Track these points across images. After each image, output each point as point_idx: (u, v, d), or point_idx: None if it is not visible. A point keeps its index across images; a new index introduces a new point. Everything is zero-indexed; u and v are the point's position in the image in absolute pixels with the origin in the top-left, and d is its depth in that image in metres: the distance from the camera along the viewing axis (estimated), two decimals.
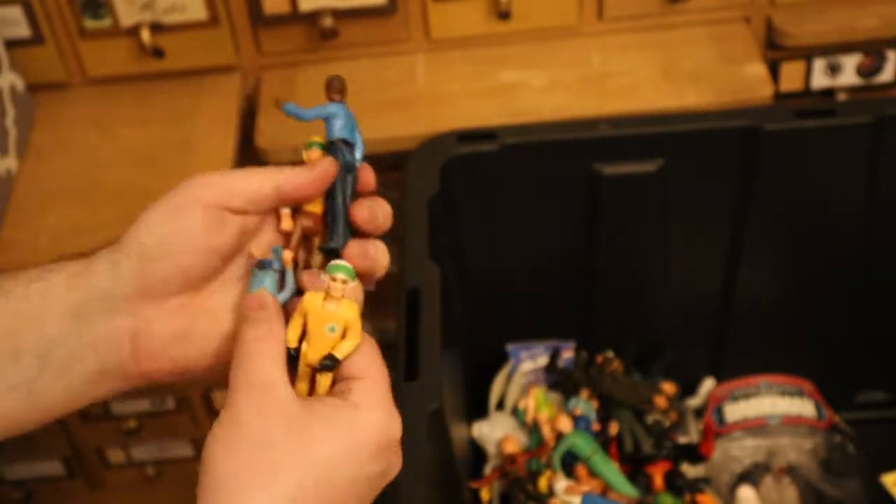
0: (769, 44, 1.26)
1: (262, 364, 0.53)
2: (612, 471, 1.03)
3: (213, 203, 0.57)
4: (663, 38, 1.26)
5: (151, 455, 1.31)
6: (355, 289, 0.57)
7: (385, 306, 1.28)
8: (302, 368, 0.56)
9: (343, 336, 0.55)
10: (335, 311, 0.55)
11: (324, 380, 0.56)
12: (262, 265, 0.58)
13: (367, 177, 0.61)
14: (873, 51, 1.25)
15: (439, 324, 0.86)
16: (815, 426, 1.08)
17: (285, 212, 0.60)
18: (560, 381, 1.11)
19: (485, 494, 1.04)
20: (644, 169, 1.01)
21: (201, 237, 0.57)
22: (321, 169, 0.59)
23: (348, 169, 0.60)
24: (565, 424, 1.04)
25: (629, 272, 1.10)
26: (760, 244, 1.07)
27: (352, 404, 0.54)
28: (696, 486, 1.06)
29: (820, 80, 1.27)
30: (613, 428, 1.06)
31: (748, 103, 1.17)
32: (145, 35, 1.22)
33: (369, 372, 0.56)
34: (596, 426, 1.06)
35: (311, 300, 0.55)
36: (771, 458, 1.07)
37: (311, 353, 0.56)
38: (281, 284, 0.58)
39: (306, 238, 0.61)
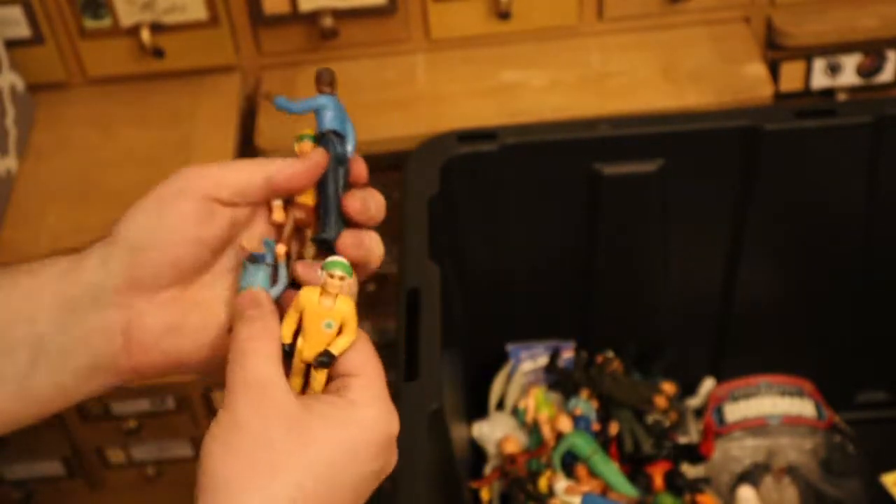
0: (769, 44, 1.26)
1: (258, 363, 0.53)
2: (612, 471, 1.03)
3: (202, 195, 0.57)
4: (663, 38, 1.26)
5: (151, 455, 1.31)
6: (350, 283, 0.57)
7: (385, 306, 1.28)
8: (296, 364, 0.56)
9: (339, 332, 0.55)
10: (332, 308, 0.55)
11: (319, 376, 0.56)
12: (254, 259, 0.58)
13: (359, 169, 0.61)
14: (873, 51, 1.25)
15: (439, 324, 0.86)
16: (815, 426, 1.08)
17: (277, 203, 0.60)
18: (560, 381, 1.11)
19: (485, 494, 1.04)
20: (644, 169, 1.01)
21: (191, 229, 0.57)
22: (312, 160, 0.59)
23: (340, 160, 0.60)
24: (565, 424, 1.04)
25: (629, 272, 1.10)
26: (760, 244, 1.07)
27: (350, 402, 0.54)
28: (696, 486, 1.06)
29: (820, 80, 1.27)
30: (613, 428, 1.06)
31: (748, 103, 1.17)
32: (145, 35, 1.22)
33: (365, 368, 0.56)
34: (596, 426, 1.06)
35: (307, 296, 0.55)
36: (771, 458, 1.07)
37: (307, 350, 0.55)
38: (273, 278, 0.58)
39: (298, 230, 0.61)
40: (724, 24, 1.26)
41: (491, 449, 1.09)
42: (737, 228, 1.06)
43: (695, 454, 1.07)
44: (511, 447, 1.06)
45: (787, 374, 1.12)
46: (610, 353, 1.11)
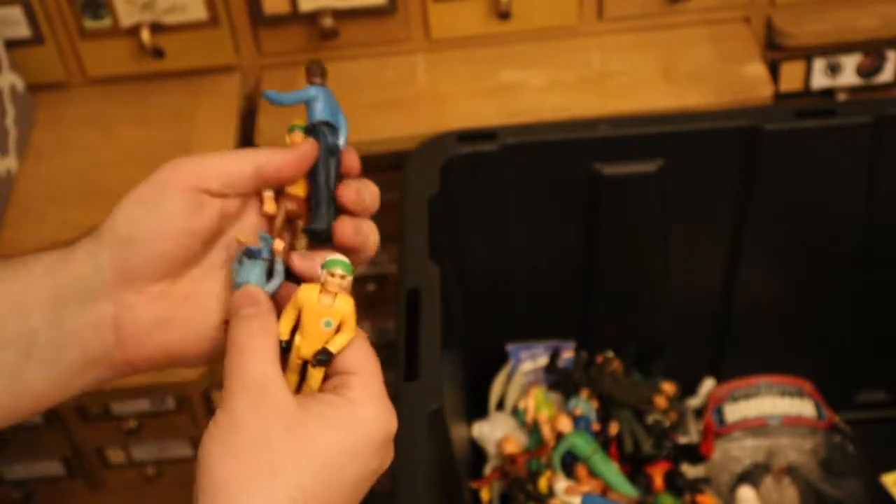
0: (769, 44, 1.26)
1: (256, 363, 0.53)
2: (612, 471, 1.03)
3: (190, 186, 0.57)
4: (663, 38, 1.26)
5: (151, 455, 1.31)
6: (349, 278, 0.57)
7: (385, 306, 1.28)
8: (293, 360, 0.56)
9: (337, 330, 0.55)
10: (332, 306, 0.55)
11: (316, 373, 0.55)
12: (250, 254, 0.57)
13: (352, 160, 0.61)
14: (873, 51, 1.25)
15: (439, 324, 0.86)
16: (815, 426, 1.08)
17: (268, 194, 0.59)
18: (560, 381, 1.11)
19: (485, 494, 1.04)
20: (644, 169, 1.01)
21: (179, 221, 0.57)
22: (301, 151, 0.58)
23: (331, 151, 0.60)
24: (565, 424, 1.04)
25: (629, 272, 1.10)
26: (760, 244, 1.07)
27: (349, 401, 0.54)
28: (696, 486, 1.06)
29: (820, 80, 1.27)
30: (613, 428, 1.06)
31: (748, 103, 1.17)
32: (145, 35, 1.22)
33: (363, 367, 0.55)
34: (596, 426, 1.06)
35: (306, 294, 0.55)
36: (771, 459, 1.07)
37: (305, 347, 0.55)
38: (269, 273, 0.58)
39: (290, 221, 0.60)
40: (724, 24, 1.26)
41: (491, 449, 1.09)
42: (737, 228, 1.06)
43: (695, 454, 1.07)
44: (511, 447, 1.06)
45: (787, 374, 1.12)
46: (610, 353, 1.11)
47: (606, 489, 1.02)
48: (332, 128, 0.60)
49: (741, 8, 1.25)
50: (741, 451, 1.08)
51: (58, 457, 1.30)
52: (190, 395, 1.22)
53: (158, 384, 1.15)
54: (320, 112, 0.60)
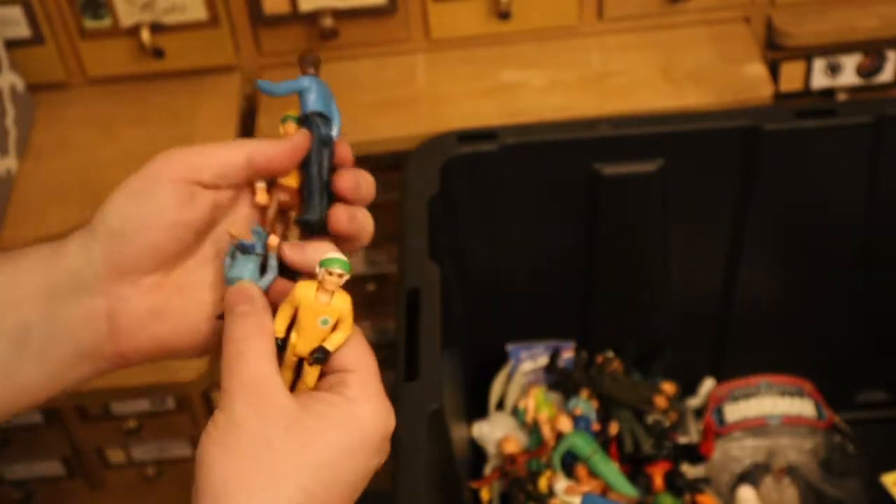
0: (769, 44, 1.26)
1: (253, 362, 0.53)
2: (612, 471, 1.03)
3: (181, 178, 0.57)
4: (663, 38, 1.26)
5: (151, 455, 1.31)
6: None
7: (385, 306, 1.28)
8: (288, 358, 0.55)
9: (334, 327, 0.55)
10: (329, 304, 0.54)
11: (312, 371, 0.55)
12: (243, 249, 0.57)
13: (345, 151, 0.61)
14: (873, 51, 1.25)
15: (439, 324, 0.86)
16: (815, 426, 1.08)
17: (260, 185, 0.59)
18: (560, 381, 1.11)
19: (485, 494, 1.04)
20: (644, 169, 1.01)
21: (171, 213, 0.56)
22: (294, 141, 0.58)
23: (324, 142, 0.59)
24: (565, 424, 1.04)
25: (629, 272, 1.10)
26: (760, 244, 1.07)
27: (347, 399, 0.54)
28: (696, 486, 1.06)
29: (820, 80, 1.27)
30: (613, 428, 1.06)
31: (748, 103, 1.17)
32: (145, 35, 1.22)
33: (360, 364, 0.55)
34: (596, 426, 1.06)
35: (303, 292, 0.55)
36: (771, 458, 1.07)
37: (301, 345, 0.55)
38: (262, 267, 0.57)
39: (282, 212, 0.60)
40: (724, 24, 1.26)
41: (491, 449, 1.09)
42: (737, 228, 1.06)
43: (695, 454, 1.07)
44: (511, 447, 1.06)
45: (787, 374, 1.12)
46: (610, 353, 1.11)
47: (606, 489, 1.02)
48: (325, 118, 0.60)
49: (741, 8, 1.25)
50: (741, 451, 1.08)
51: (58, 457, 1.30)
52: (190, 395, 1.22)
53: (158, 384, 1.15)
54: (313, 103, 0.60)
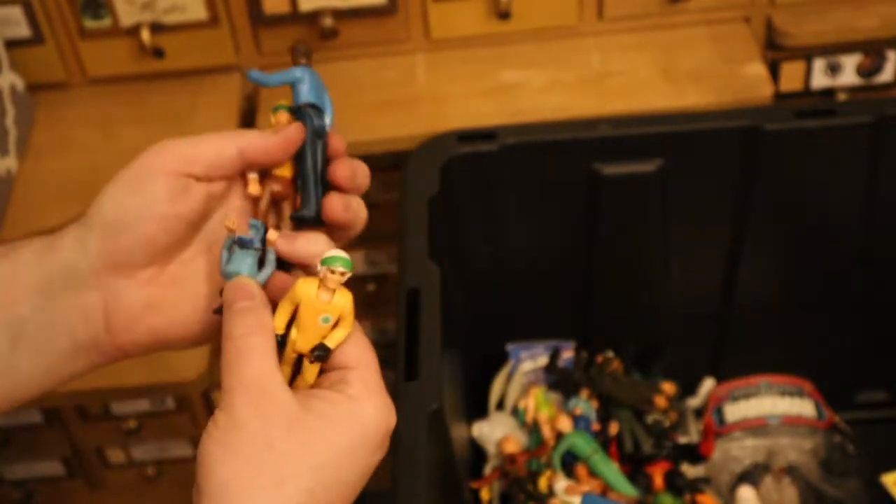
0: (769, 44, 1.26)
1: (254, 361, 0.53)
2: (612, 471, 1.03)
3: (174, 170, 0.57)
4: (663, 38, 1.26)
5: (151, 455, 1.31)
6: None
7: (385, 306, 1.28)
8: (288, 354, 0.55)
9: (335, 325, 0.55)
10: (330, 302, 0.54)
11: (312, 367, 0.55)
12: (242, 244, 0.57)
13: (338, 142, 0.60)
14: (873, 51, 1.25)
15: (439, 324, 0.86)
16: (815, 426, 1.08)
17: (252, 176, 0.59)
18: (560, 381, 1.11)
19: (485, 494, 1.04)
20: (644, 169, 1.01)
21: (165, 206, 0.56)
22: (287, 134, 0.58)
23: (318, 134, 0.59)
24: (565, 424, 1.04)
25: (629, 272, 1.10)
26: (760, 244, 1.07)
27: (349, 398, 0.53)
28: (696, 486, 1.06)
29: (820, 80, 1.27)
30: (613, 428, 1.06)
31: (748, 103, 1.17)
32: (145, 35, 1.22)
33: (361, 362, 0.55)
34: (596, 426, 1.06)
35: (304, 290, 0.54)
36: (771, 458, 1.07)
37: (301, 342, 0.55)
38: (260, 261, 0.57)
39: (275, 203, 0.60)
40: (724, 24, 1.26)
41: (491, 449, 1.09)
42: (737, 228, 1.06)
43: (695, 454, 1.07)
44: (511, 447, 1.06)
45: (787, 374, 1.12)
46: (610, 353, 1.11)
47: (606, 489, 1.02)
48: (318, 110, 0.60)
49: (741, 8, 1.25)
50: (741, 450, 1.08)
51: (58, 457, 1.30)
52: (190, 395, 1.22)
53: (158, 384, 1.15)
54: (306, 94, 0.60)
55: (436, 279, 0.89)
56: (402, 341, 0.85)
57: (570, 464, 1.04)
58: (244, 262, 0.57)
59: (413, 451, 0.77)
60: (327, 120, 0.60)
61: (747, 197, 1.03)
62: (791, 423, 1.08)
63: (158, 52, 1.23)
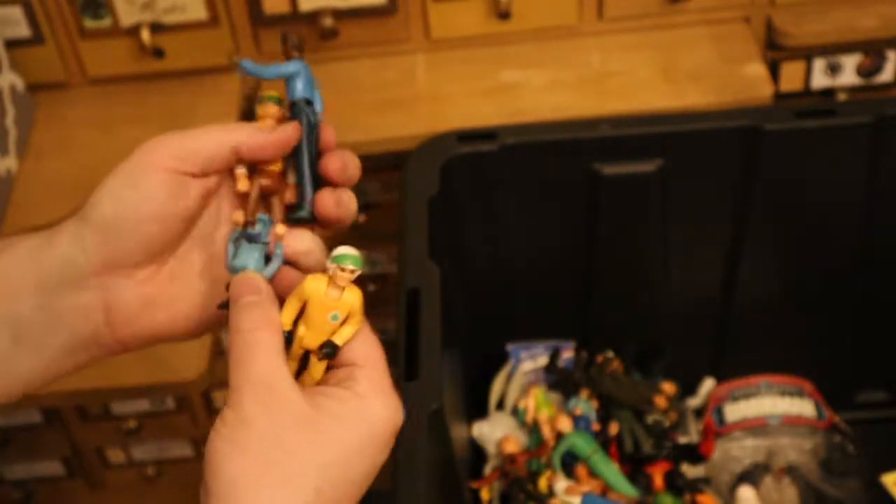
0: (769, 44, 1.26)
1: (261, 357, 0.52)
2: (612, 471, 1.03)
3: (170, 168, 0.56)
4: (663, 38, 1.26)
5: (151, 455, 1.31)
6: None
7: (385, 306, 1.28)
8: (295, 350, 0.55)
9: (343, 322, 0.54)
10: (339, 299, 0.54)
11: (319, 364, 0.55)
12: (250, 238, 0.56)
13: (329, 134, 0.60)
14: (873, 51, 1.25)
15: (439, 324, 0.86)
16: (815, 426, 1.08)
17: (241, 172, 0.58)
18: (560, 381, 1.11)
19: (485, 494, 1.04)
20: (644, 169, 1.01)
21: (163, 205, 0.56)
22: (283, 134, 0.58)
23: (312, 130, 0.59)
24: (565, 424, 1.04)
25: (629, 272, 1.10)
26: (760, 244, 1.07)
27: (356, 395, 0.53)
28: (696, 486, 1.06)
29: (820, 80, 1.27)
30: (613, 428, 1.06)
31: (748, 103, 1.17)
32: (145, 35, 1.22)
33: (368, 359, 0.55)
34: (596, 426, 1.06)
35: (313, 287, 0.54)
36: (771, 458, 1.07)
37: (309, 338, 0.54)
38: (267, 255, 0.57)
39: (263, 197, 0.59)
40: (724, 24, 1.26)
41: (491, 449, 1.09)
42: (737, 228, 1.06)
43: (695, 454, 1.07)
44: (511, 447, 1.06)
45: (787, 374, 1.12)
46: (610, 353, 1.11)
47: (606, 489, 1.02)
48: (310, 103, 0.59)
49: (741, 8, 1.25)
50: (741, 450, 1.08)
51: (58, 457, 1.30)
52: (190, 395, 1.23)
53: (158, 384, 1.15)
54: (301, 90, 0.59)
55: (436, 279, 0.89)
56: (402, 341, 0.85)
57: (570, 464, 1.04)
58: (251, 256, 0.56)
59: (413, 451, 0.77)
60: (318, 111, 0.59)
61: (747, 197, 1.03)
62: (791, 423, 1.08)
63: (158, 52, 1.23)
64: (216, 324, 0.60)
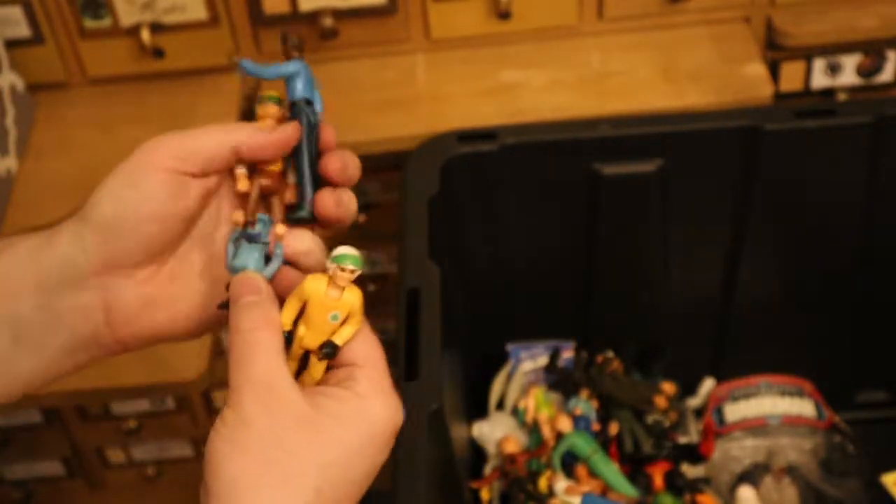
0: (769, 44, 1.26)
1: (261, 357, 0.52)
2: (612, 471, 1.03)
3: (170, 169, 0.56)
4: (663, 38, 1.26)
5: (151, 455, 1.31)
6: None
7: (385, 306, 1.28)
8: (295, 350, 0.55)
9: (343, 322, 0.54)
10: (339, 299, 0.54)
11: (319, 364, 0.55)
12: (250, 238, 0.56)
13: (329, 134, 0.60)
14: (873, 51, 1.25)
15: (439, 324, 0.86)
16: (815, 426, 1.08)
17: (241, 172, 0.58)
18: (560, 381, 1.11)
19: (485, 494, 1.04)
20: (644, 169, 1.01)
21: (164, 205, 0.56)
22: (283, 135, 0.57)
23: (312, 130, 0.58)
24: (565, 424, 1.04)
25: (629, 272, 1.10)
26: (760, 244, 1.07)
27: (356, 395, 0.53)
28: (696, 486, 1.06)
29: (820, 80, 1.27)
30: (613, 428, 1.06)
31: (748, 103, 1.17)
32: (145, 35, 1.22)
33: (368, 359, 0.55)
34: (596, 426, 1.06)
35: (313, 287, 0.54)
36: (771, 458, 1.07)
37: (309, 338, 0.54)
38: (267, 256, 0.57)
39: (263, 196, 0.59)
40: (724, 24, 1.26)
41: (491, 449, 1.09)
42: (737, 228, 1.06)
43: (695, 454, 1.07)
44: (511, 447, 1.06)
45: (787, 374, 1.12)
46: (610, 353, 1.11)
47: (606, 489, 1.02)
48: (310, 103, 0.59)
49: (741, 8, 1.25)
50: (741, 450, 1.08)
51: (58, 457, 1.30)
52: (190, 395, 1.23)
53: (158, 384, 1.15)
54: (302, 90, 0.59)
55: (436, 279, 0.89)
56: (402, 341, 0.85)
57: (570, 464, 1.04)
58: (251, 256, 0.56)
59: (413, 451, 0.77)
60: (318, 110, 0.59)
61: (747, 197, 1.03)
62: (791, 423, 1.08)
63: (158, 52, 1.23)
64: (216, 324, 0.60)
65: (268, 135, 0.57)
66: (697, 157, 1.01)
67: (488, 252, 1.06)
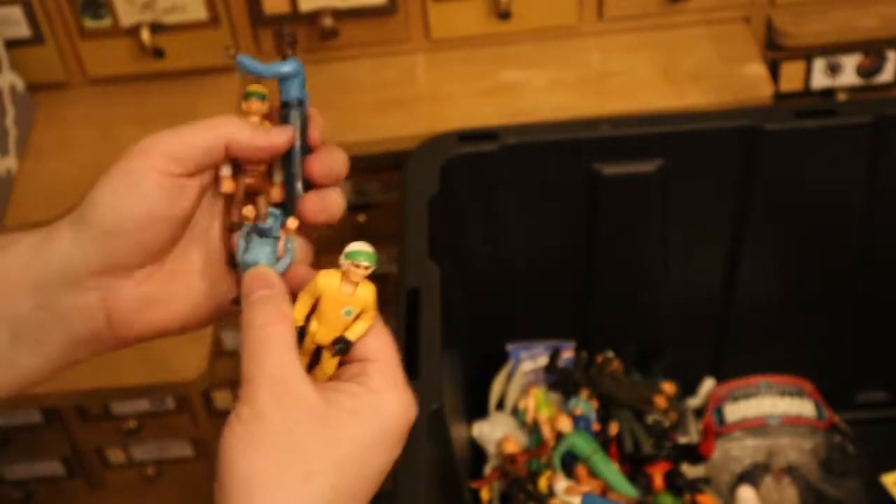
0: (769, 44, 1.26)
1: (275, 352, 0.52)
2: (612, 471, 1.03)
3: (167, 170, 0.56)
4: (663, 38, 1.26)
5: (151, 455, 1.31)
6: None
7: (385, 306, 1.28)
8: (307, 345, 0.55)
9: (356, 317, 0.54)
10: (353, 295, 0.54)
11: (332, 360, 0.55)
12: (261, 232, 0.56)
13: (315, 133, 0.59)
14: (873, 51, 1.25)
15: (439, 324, 0.86)
16: (815, 426, 1.08)
17: (225, 174, 0.57)
18: (560, 381, 1.11)
19: (485, 494, 1.04)
20: (644, 169, 1.01)
21: (163, 208, 0.56)
22: (275, 139, 0.57)
23: (303, 128, 0.58)
24: (565, 424, 1.04)
25: (629, 272, 1.10)
26: (760, 244, 1.07)
27: (370, 391, 0.53)
28: (696, 486, 1.06)
29: (820, 80, 1.27)
30: (613, 428, 1.06)
31: (748, 103, 1.17)
32: (145, 35, 1.22)
33: (381, 354, 0.55)
34: (596, 426, 1.06)
35: (326, 283, 0.54)
36: (771, 458, 1.07)
37: (322, 334, 0.54)
38: (278, 251, 0.57)
39: (248, 195, 0.59)
40: (724, 24, 1.26)
41: (491, 449, 1.09)
42: (737, 228, 1.06)
43: (695, 454, 1.07)
44: (511, 447, 1.06)
45: (787, 374, 1.12)
46: (610, 353, 1.11)
47: (606, 489, 1.02)
48: (302, 102, 0.58)
49: (741, 8, 1.25)
50: (741, 450, 1.08)
51: (58, 457, 1.30)
52: (190, 395, 1.23)
53: (158, 384, 1.15)
54: (297, 90, 0.58)
55: (436, 279, 0.89)
56: (402, 341, 0.85)
57: (570, 464, 1.04)
58: (262, 251, 0.56)
59: (413, 451, 0.77)
60: (308, 107, 0.59)
61: (747, 197, 1.03)
62: (791, 423, 1.08)
63: (158, 52, 1.23)
64: (217, 318, 0.60)
65: (259, 136, 0.57)
66: (697, 157, 1.01)
67: (488, 252, 1.06)
